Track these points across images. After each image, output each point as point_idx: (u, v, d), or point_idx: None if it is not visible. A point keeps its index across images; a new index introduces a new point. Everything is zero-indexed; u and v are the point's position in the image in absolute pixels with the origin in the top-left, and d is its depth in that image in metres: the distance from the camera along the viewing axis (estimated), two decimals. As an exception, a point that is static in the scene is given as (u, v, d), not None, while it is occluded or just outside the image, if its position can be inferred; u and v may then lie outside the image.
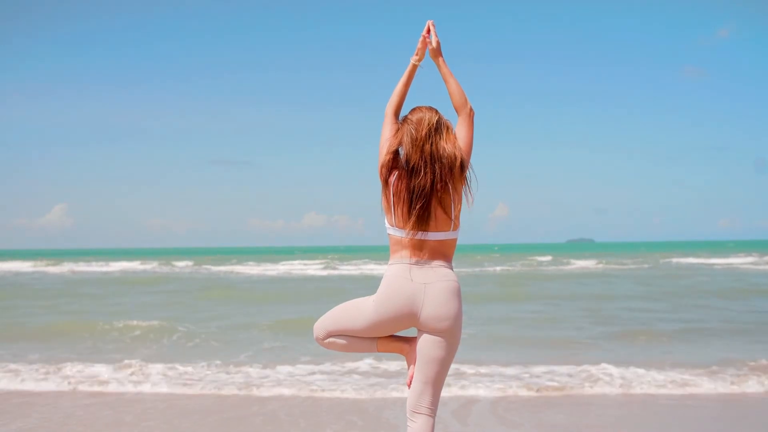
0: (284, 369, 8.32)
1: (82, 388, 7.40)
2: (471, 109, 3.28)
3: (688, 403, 6.64)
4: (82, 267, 40.79)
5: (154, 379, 7.75)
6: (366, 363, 8.41)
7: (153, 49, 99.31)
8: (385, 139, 3.29)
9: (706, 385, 7.23)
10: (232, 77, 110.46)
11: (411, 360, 3.29)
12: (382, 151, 3.26)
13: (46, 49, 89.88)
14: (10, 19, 75.44)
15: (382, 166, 3.23)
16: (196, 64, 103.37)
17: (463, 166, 3.16)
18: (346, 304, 3.34)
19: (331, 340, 3.32)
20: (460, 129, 3.27)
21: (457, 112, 3.30)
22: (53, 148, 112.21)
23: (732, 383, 7.27)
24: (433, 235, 3.15)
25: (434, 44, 3.33)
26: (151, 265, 42.28)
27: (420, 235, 3.14)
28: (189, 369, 8.32)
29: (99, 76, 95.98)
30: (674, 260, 41.46)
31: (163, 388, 7.39)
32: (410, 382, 3.26)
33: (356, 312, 3.26)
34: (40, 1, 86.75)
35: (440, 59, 3.33)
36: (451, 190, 3.14)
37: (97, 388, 7.39)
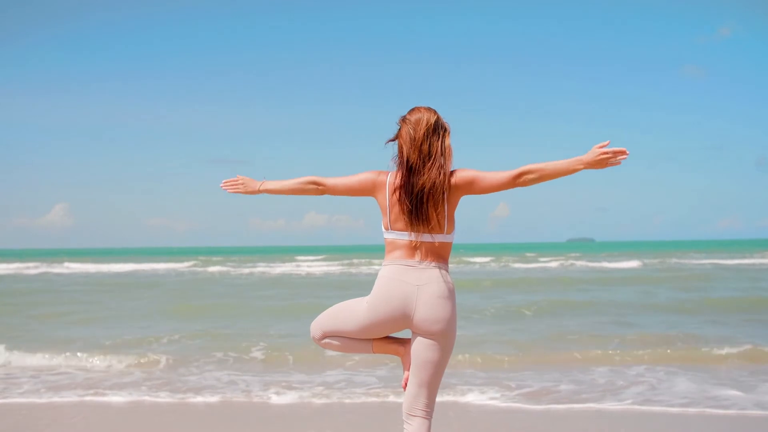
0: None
1: None
2: (518, 184, 3.09)
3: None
4: (77, 267, 38.93)
5: None
6: (356, 366, 8.36)
7: (153, 49, 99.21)
8: (351, 177, 3.25)
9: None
10: (233, 77, 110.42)
11: (406, 362, 3.27)
12: (358, 176, 3.23)
13: (47, 48, 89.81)
14: (11, 19, 75.43)
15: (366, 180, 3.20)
16: (197, 64, 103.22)
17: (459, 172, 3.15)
18: (341, 304, 3.31)
19: (327, 340, 3.32)
20: (499, 177, 3.10)
21: (520, 173, 3.07)
22: (53, 148, 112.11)
23: None
24: (428, 237, 3.13)
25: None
26: (134, 267, 38.68)
27: (415, 236, 3.11)
28: None
29: (99, 76, 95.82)
30: (713, 262, 37.38)
31: None
32: (405, 384, 3.23)
33: (350, 313, 3.23)
34: (41, 1, 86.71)
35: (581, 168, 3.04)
36: (447, 192, 3.11)
37: None
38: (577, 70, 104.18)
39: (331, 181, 3.29)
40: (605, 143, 2.99)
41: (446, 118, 3.23)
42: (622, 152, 2.98)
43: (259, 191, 3.42)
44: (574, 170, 3.04)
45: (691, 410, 6.28)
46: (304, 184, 3.33)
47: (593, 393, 6.95)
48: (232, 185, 3.45)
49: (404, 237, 3.14)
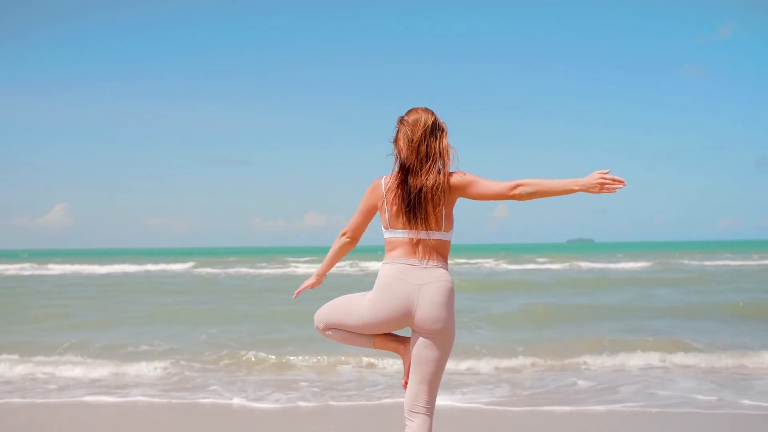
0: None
1: None
2: (513, 196, 3.12)
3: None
4: (74, 267, 39.07)
5: None
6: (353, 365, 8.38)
7: (153, 49, 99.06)
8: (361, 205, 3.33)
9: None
10: (233, 77, 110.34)
11: (406, 361, 3.31)
12: (362, 202, 3.31)
13: (47, 48, 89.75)
14: (11, 19, 75.49)
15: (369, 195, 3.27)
16: (197, 64, 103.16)
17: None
18: (344, 298, 3.35)
19: (329, 332, 3.37)
20: (495, 186, 3.15)
21: (517, 185, 3.11)
22: (53, 148, 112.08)
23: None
24: (427, 235, 3.16)
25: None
26: (130, 268, 37.39)
27: (414, 235, 3.15)
28: None
29: (99, 76, 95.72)
30: (714, 263, 36.18)
31: None
32: (405, 382, 3.27)
33: (352, 308, 3.28)
34: (41, 1, 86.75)
35: (577, 189, 3.09)
36: (445, 192, 3.15)
37: None
38: (577, 70, 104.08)
39: (350, 223, 3.37)
40: (606, 171, 3.05)
41: (446, 118, 3.27)
42: (620, 182, 3.05)
43: (318, 277, 3.54)
44: (570, 191, 3.10)
45: (691, 410, 6.30)
46: (339, 240, 3.42)
47: (594, 394, 6.98)
48: (300, 290, 3.58)
49: (404, 236, 3.17)
